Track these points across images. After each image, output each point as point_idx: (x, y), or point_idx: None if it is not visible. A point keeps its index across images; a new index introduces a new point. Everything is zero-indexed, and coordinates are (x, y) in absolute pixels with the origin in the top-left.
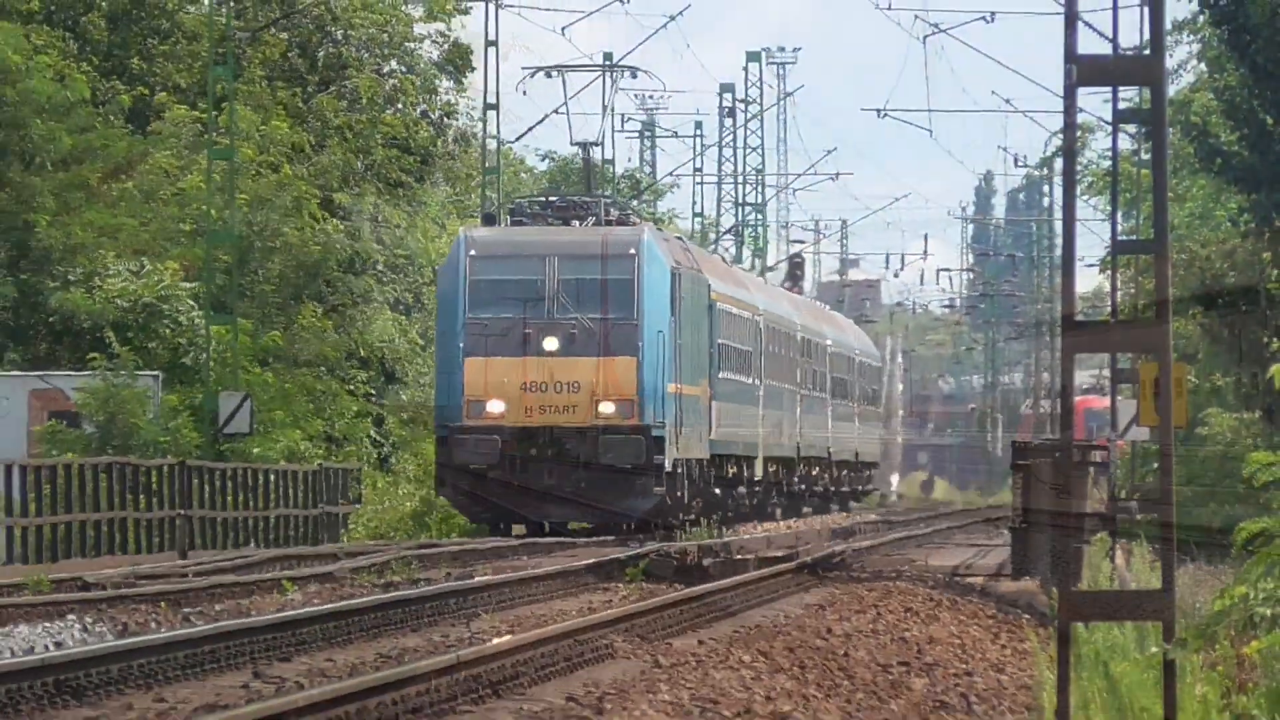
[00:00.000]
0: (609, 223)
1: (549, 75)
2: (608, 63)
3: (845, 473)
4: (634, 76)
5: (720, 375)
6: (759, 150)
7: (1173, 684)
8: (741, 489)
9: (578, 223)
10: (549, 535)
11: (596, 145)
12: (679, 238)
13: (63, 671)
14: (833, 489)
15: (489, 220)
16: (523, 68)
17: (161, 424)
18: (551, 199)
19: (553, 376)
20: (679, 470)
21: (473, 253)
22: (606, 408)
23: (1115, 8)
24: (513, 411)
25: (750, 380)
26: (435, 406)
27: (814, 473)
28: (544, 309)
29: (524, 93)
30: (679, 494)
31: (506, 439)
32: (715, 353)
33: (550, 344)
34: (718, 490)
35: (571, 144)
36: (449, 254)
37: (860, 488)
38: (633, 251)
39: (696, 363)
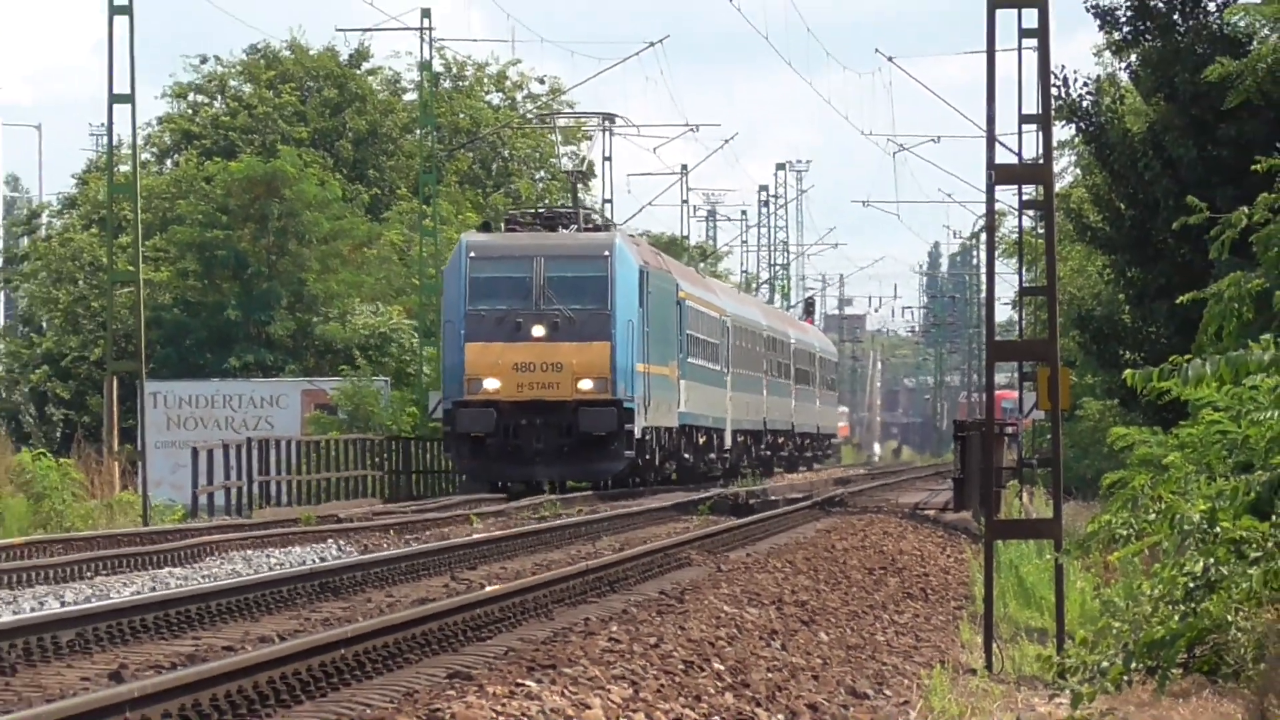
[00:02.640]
0: (588, 229)
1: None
2: (602, 114)
3: (808, 441)
4: (614, 121)
5: (689, 360)
6: (784, 228)
7: (1060, 580)
8: (712, 455)
9: (562, 229)
10: (551, 494)
11: (583, 174)
12: (652, 244)
13: (324, 577)
14: (797, 454)
15: (486, 228)
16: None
17: (390, 413)
18: (540, 210)
19: (540, 358)
20: (648, 437)
21: (472, 254)
22: (585, 384)
23: (1020, 132)
24: (506, 388)
25: (718, 366)
26: (442, 385)
27: (780, 441)
28: (532, 302)
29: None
30: (649, 457)
31: (501, 411)
32: (684, 340)
33: (538, 331)
34: (688, 455)
35: (564, 172)
36: (452, 256)
37: (820, 453)
38: (606, 253)
39: (665, 348)
